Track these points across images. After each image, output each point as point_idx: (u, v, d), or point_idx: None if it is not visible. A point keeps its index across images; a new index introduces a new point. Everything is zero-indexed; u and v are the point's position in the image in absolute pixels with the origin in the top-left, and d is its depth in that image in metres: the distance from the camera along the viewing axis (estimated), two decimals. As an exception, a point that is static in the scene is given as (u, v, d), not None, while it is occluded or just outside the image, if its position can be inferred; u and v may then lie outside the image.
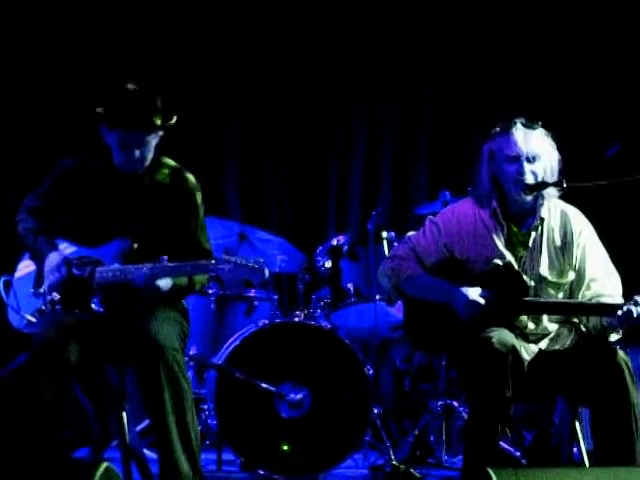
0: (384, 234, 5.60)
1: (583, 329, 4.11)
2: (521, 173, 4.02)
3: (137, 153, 4.13)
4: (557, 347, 4.07)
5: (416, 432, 5.39)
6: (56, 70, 6.41)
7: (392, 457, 5.06)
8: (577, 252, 4.10)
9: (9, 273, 4.23)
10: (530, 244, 4.10)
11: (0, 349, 5.22)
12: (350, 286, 5.66)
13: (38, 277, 4.15)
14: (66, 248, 4.16)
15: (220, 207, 6.72)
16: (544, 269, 4.07)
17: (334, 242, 5.76)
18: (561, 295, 4.10)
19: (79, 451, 4.79)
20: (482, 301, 3.94)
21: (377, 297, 5.42)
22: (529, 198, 4.07)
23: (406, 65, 7.03)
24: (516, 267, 4.04)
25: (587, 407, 4.10)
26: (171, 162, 4.32)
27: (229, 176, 6.99)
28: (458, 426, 5.49)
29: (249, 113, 6.94)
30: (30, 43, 6.39)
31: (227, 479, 5.04)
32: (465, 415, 5.30)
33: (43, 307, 4.08)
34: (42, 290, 4.10)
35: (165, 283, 4.07)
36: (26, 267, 4.22)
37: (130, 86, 4.14)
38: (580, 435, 4.15)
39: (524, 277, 3.98)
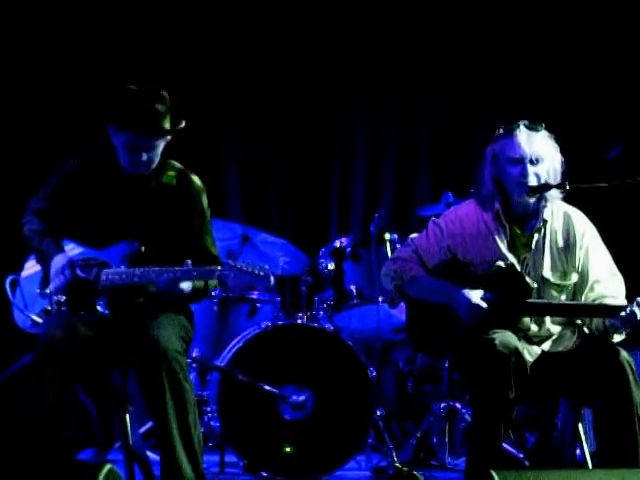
0: (387, 236, 5.60)
1: (586, 331, 4.11)
2: (524, 175, 4.02)
3: (145, 156, 4.13)
4: (560, 349, 4.07)
5: (419, 434, 5.39)
6: (57, 70, 6.41)
7: (395, 459, 5.06)
8: (580, 254, 4.10)
9: (16, 272, 4.23)
10: (533, 246, 4.10)
11: (5, 349, 5.22)
12: (353, 288, 5.65)
13: (44, 277, 4.15)
14: (72, 249, 4.15)
15: (223, 209, 6.72)
16: (547, 271, 4.07)
17: (337, 244, 5.75)
18: (564, 297, 4.10)
19: (82, 453, 4.79)
20: (484, 304, 3.94)
21: (380, 299, 5.42)
22: (532, 200, 4.07)
23: (406, 65, 7.03)
24: (519, 269, 4.04)
25: (590, 408, 4.10)
26: (177, 164, 4.32)
27: (231, 178, 6.99)
28: (461, 428, 5.49)
29: (250, 115, 6.94)
30: (31, 43, 6.39)
31: (230, 481, 5.06)
32: (468, 417, 5.30)
33: (49, 307, 4.09)
34: (48, 291, 4.10)
35: (187, 285, 4.08)
36: (33, 266, 4.22)
37: (141, 88, 4.14)
38: (583, 436, 4.15)
39: (527, 279, 3.98)
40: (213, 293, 5.56)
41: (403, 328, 5.23)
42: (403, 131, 7.12)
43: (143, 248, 4.10)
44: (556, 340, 4.08)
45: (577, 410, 4.17)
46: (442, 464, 5.33)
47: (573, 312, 4.07)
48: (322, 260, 5.76)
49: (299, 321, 5.34)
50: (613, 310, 3.91)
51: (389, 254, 5.48)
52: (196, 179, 4.30)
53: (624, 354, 3.89)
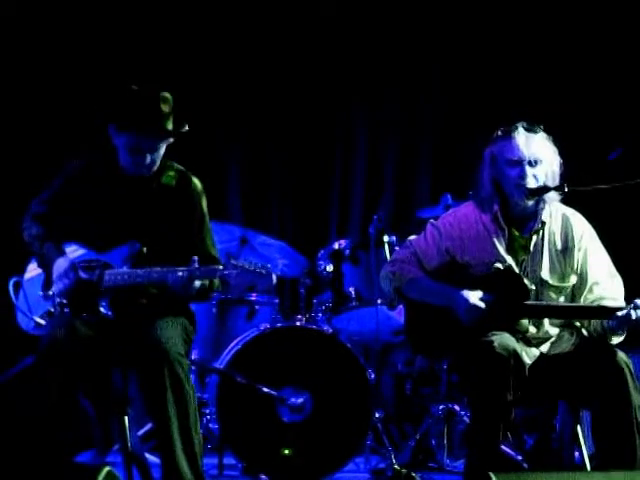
0: (385, 238, 5.59)
1: (584, 333, 4.11)
2: (523, 177, 4.02)
3: (148, 158, 4.13)
4: (558, 351, 4.07)
5: (417, 436, 5.39)
6: (57, 71, 6.41)
7: (394, 461, 5.06)
8: (578, 256, 4.10)
9: (19, 274, 4.23)
10: (531, 248, 4.10)
11: (8, 351, 5.22)
12: (351, 290, 5.65)
13: (47, 279, 4.15)
14: (74, 251, 4.15)
15: (221, 211, 6.72)
16: (545, 273, 4.08)
17: (335, 246, 5.75)
18: (562, 299, 4.10)
19: (81, 455, 4.79)
20: (483, 305, 3.94)
21: (378, 301, 5.41)
22: (530, 202, 4.07)
23: (406, 65, 7.04)
24: (517, 271, 4.05)
25: (588, 410, 4.09)
26: (176, 165, 4.32)
27: (230, 180, 6.99)
28: (459, 430, 5.49)
29: (250, 115, 6.95)
30: (31, 43, 6.39)
31: (228, 484, 5.06)
32: (466, 419, 5.30)
33: (52, 309, 4.09)
34: (51, 292, 4.10)
35: (198, 284, 4.07)
36: (35, 269, 4.22)
37: (144, 89, 4.14)
38: (581, 439, 4.15)
39: (525, 281, 3.98)
40: (213, 294, 5.56)
41: (402, 330, 5.23)
42: (403, 132, 7.12)
43: (145, 249, 4.10)
44: (554, 342, 4.08)
45: (576, 412, 4.16)
46: (441, 466, 5.33)
47: (571, 314, 4.08)
48: (321, 262, 5.76)
49: (298, 323, 5.34)
50: (610, 312, 3.91)
51: (388, 256, 5.48)
52: (196, 180, 4.31)
53: (622, 356, 3.89)
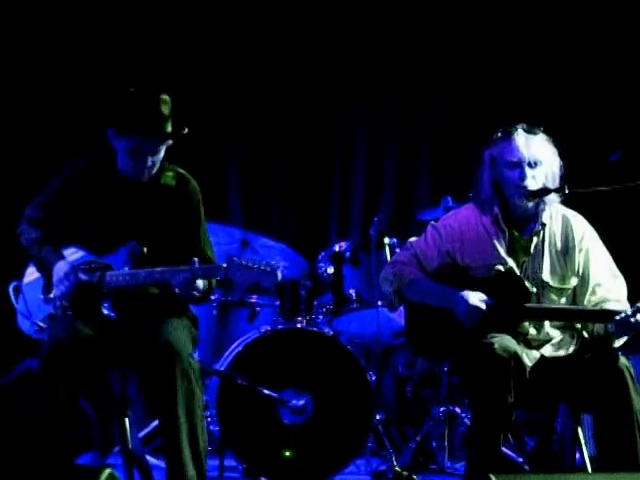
0: (386, 240, 5.59)
1: (586, 335, 4.11)
2: (522, 178, 4.02)
3: (150, 161, 4.13)
4: (559, 353, 4.07)
5: (418, 438, 5.39)
6: (56, 73, 6.40)
7: (394, 463, 5.07)
8: (579, 257, 4.10)
9: (18, 278, 4.22)
10: (532, 250, 4.10)
11: (9, 353, 5.22)
12: (352, 292, 5.65)
13: (47, 283, 4.14)
14: (73, 253, 4.14)
15: (222, 213, 6.72)
16: (546, 274, 4.07)
17: (336, 248, 5.75)
18: (564, 300, 4.10)
19: (82, 457, 4.78)
20: (483, 307, 3.94)
21: (379, 303, 5.40)
22: (531, 204, 4.07)
23: (406, 65, 7.03)
24: (518, 273, 4.04)
25: (589, 413, 4.09)
26: (173, 166, 4.32)
27: (231, 182, 6.98)
28: (460, 432, 5.49)
29: (250, 116, 6.94)
30: (31, 44, 6.39)
31: (229, 485, 5.06)
32: (467, 421, 5.29)
33: (53, 312, 4.08)
34: (51, 296, 4.10)
35: (201, 284, 4.07)
36: (33, 273, 4.21)
37: (143, 91, 4.13)
38: (582, 441, 4.15)
39: (526, 283, 3.98)
40: (212, 297, 5.56)
41: (402, 332, 5.23)
42: (403, 132, 7.12)
43: (145, 249, 4.10)
44: (555, 344, 4.08)
45: (576, 414, 4.16)
46: (441, 468, 5.33)
47: (571, 316, 4.07)
48: (321, 264, 5.76)
49: (298, 325, 5.34)
50: (611, 315, 3.91)
51: (388, 258, 5.47)
52: (194, 181, 4.32)
53: (623, 360, 3.90)
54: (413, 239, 4.29)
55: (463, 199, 4.85)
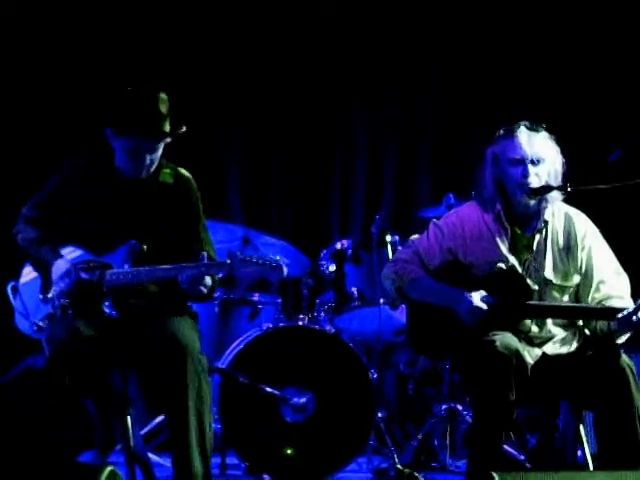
0: (388, 238, 5.59)
1: (587, 333, 4.11)
2: (525, 176, 4.02)
3: (148, 159, 4.13)
4: (561, 351, 4.07)
5: (420, 436, 5.39)
6: (54, 73, 6.40)
7: (396, 461, 5.06)
8: (582, 255, 4.10)
9: (16, 279, 4.21)
10: (534, 247, 4.10)
11: (7, 352, 5.22)
12: (354, 290, 5.64)
13: (45, 283, 4.13)
14: (71, 252, 4.14)
15: (223, 211, 6.73)
16: (548, 272, 4.07)
17: (338, 246, 5.74)
18: (566, 298, 4.10)
19: (83, 455, 4.78)
20: (485, 306, 3.94)
21: (381, 301, 5.41)
22: (533, 201, 4.07)
23: (406, 65, 7.03)
24: (520, 271, 4.04)
25: (591, 411, 4.09)
26: (170, 163, 4.31)
27: (232, 180, 6.98)
28: (462, 430, 5.48)
29: (251, 115, 6.94)
30: (28, 44, 6.39)
31: (231, 483, 5.05)
32: (469, 419, 5.29)
33: (53, 312, 4.07)
34: (50, 295, 4.09)
35: (209, 281, 4.07)
36: (30, 273, 4.19)
37: (141, 90, 4.13)
38: (584, 438, 4.15)
39: (528, 281, 3.98)
40: (215, 295, 5.56)
41: (404, 330, 5.22)
42: (403, 132, 7.12)
43: (145, 247, 4.10)
44: (557, 342, 4.08)
45: (578, 412, 4.16)
46: (443, 466, 5.32)
47: (574, 314, 4.07)
48: (323, 262, 5.76)
49: (300, 323, 5.34)
50: (614, 312, 3.91)
51: (390, 256, 5.47)
52: (191, 178, 4.32)
53: (625, 358, 3.90)
54: (415, 237, 4.29)
55: (465, 197, 4.86)
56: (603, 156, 4.95)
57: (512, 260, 4.06)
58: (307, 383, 5.04)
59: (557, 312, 4.05)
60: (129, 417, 4.13)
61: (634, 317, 3.84)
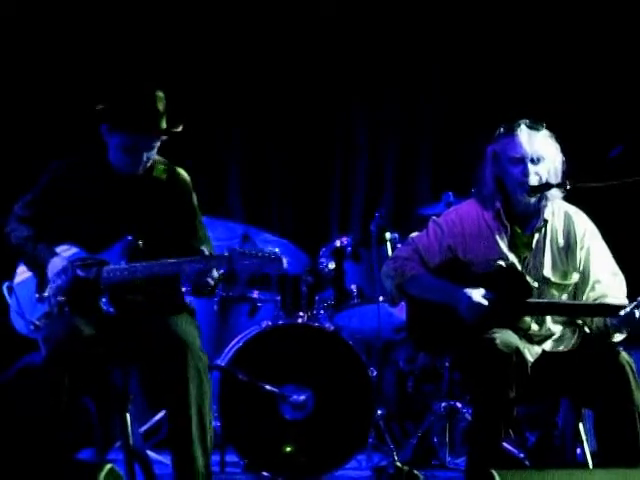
0: (387, 235, 5.59)
1: (587, 330, 4.11)
2: (525, 174, 4.02)
3: (145, 157, 4.13)
4: (561, 348, 4.07)
5: (419, 433, 5.39)
6: (52, 72, 6.40)
7: (395, 458, 5.06)
8: (581, 254, 4.10)
9: (10, 279, 4.20)
10: (533, 245, 4.10)
11: (6, 351, 5.21)
12: (353, 287, 5.64)
13: (40, 281, 4.12)
14: (66, 250, 4.13)
15: (223, 208, 6.73)
16: (547, 270, 4.07)
17: (337, 243, 5.74)
18: (565, 296, 4.10)
19: (82, 452, 4.79)
20: (485, 302, 3.94)
21: (380, 298, 5.41)
22: (533, 200, 4.07)
23: (406, 65, 7.03)
24: (519, 268, 4.04)
25: (591, 409, 4.09)
26: (161, 158, 4.30)
27: (232, 177, 6.99)
28: (461, 427, 5.48)
29: (251, 114, 6.94)
30: (25, 42, 6.39)
31: (230, 481, 5.06)
32: (468, 416, 5.29)
33: (50, 310, 4.06)
34: (46, 294, 4.08)
35: (216, 274, 4.06)
36: (24, 272, 4.18)
37: (138, 87, 4.13)
38: (584, 436, 4.15)
39: (527, 278, 3.98)
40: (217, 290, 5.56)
41: (404, 327, 5.22)
42: (403, 131, 7.12)
43: (141, 243, 4.10)
44: (557, 339, 4.08)
45: (578, 409, 4.17)
46: (443, 463, 5.33)
47: (573, 312, 4.08)
48: (323, 259, 5.76)
49: (299, 321, 5.34)
50: (613, 310, 3.91)
51: (390, 253, 5.47)
52: (185, 173, 4.31)
53: (624, 355, 3.90)
54: (414, 234, 4.29)
55: (464, 195, 4.85)
56: (603, 154, 4.95)
57: (512, 258, 4.06)
58: (306, 381, 5.04)
59: (557, 310, 4.05)
60: (128, 414, 4.13)
61: (637, 313, 3.83)
